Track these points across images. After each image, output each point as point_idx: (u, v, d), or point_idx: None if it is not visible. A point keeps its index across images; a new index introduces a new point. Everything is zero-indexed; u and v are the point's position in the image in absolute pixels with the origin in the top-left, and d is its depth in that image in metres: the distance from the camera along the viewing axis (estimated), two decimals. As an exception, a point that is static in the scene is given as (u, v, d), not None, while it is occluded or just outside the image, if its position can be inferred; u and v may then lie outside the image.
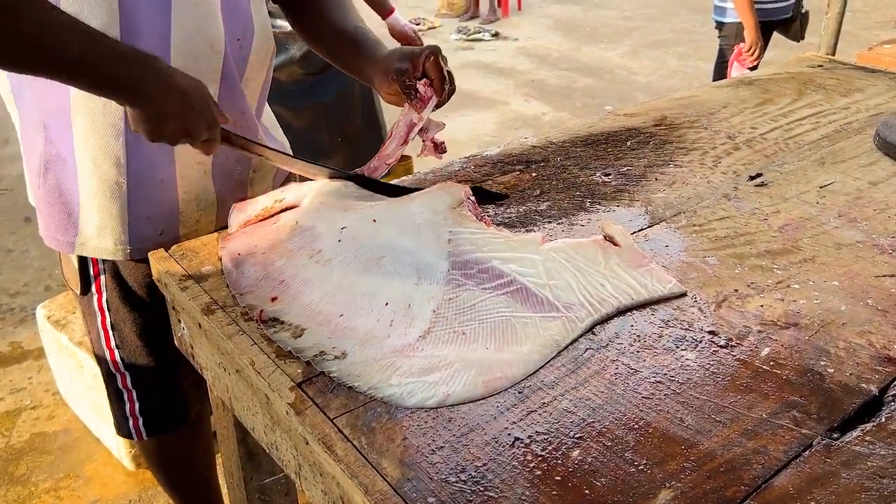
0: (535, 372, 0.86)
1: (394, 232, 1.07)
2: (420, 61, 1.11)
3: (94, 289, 1.24)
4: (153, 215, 1.18)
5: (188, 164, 1.18)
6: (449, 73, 1.14)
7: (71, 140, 1.11)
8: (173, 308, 1.12)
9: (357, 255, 1.04)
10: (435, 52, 1.11)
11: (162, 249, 1.14)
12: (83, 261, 1.22)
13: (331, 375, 0.86)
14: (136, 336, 1.27)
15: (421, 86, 1.12)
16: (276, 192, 1.20)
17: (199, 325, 1.01)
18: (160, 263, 1.10)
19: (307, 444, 0.79)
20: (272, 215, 1.17)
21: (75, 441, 2.16)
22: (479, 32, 7.26)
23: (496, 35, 7.23)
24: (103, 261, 1.22)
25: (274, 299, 0.99)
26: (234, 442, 1.22)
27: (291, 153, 1.38)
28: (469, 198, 1.14)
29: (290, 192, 1.19)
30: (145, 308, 1.25)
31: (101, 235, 1.17)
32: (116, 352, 1.28)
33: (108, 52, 0.94)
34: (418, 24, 7.47)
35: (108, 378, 1.32)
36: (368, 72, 1.20)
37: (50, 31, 0.89)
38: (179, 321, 1.11)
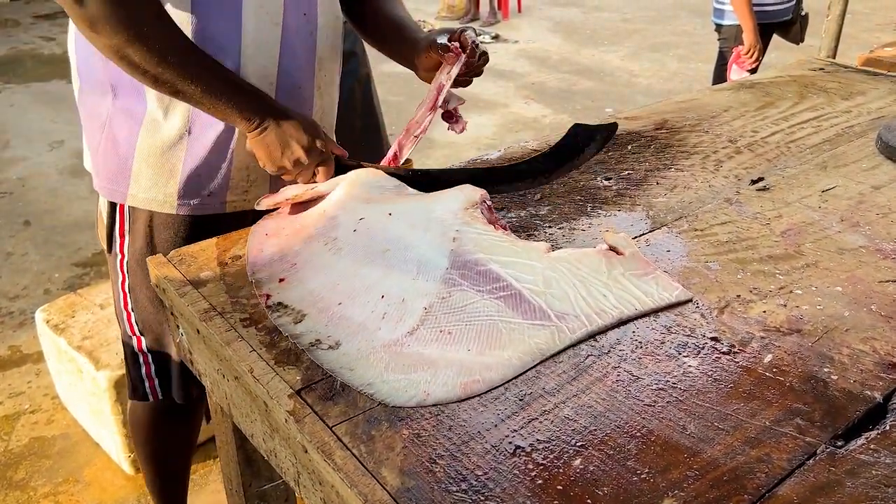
0: (515, 377, 0.85)
1: (404, 226, 1.08)
2: (456, 35, 1.26)
3: (116, 248, 1.31)
4: (203, 174, 1.24)
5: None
6: (483, 51, 1.27)
7: (143, 96, 1.18)
8: (171, 313, 1.12)
9: (366, 246, 1.05)
10: (468, 28, 1.29)
11: (160, 255, 1.13)
12: (112, 221, 1.29)
13: (324, 367, 0.86)
14: (148, 303, 1.31)
15: (453, 44, 1.24)
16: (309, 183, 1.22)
17: (198, 332, 1.00)
18: (158, 269, 1.09)
19: (306, 452, 0.79)
20: (302, 203, 1.18)
21: (74, 445, 2.15)
22: (480, 35, 7.26)
23: (496, 37, 7.22)
24: (130, 224, 1.28)
25: (282, 280, 1.02)
26: (232, 448, 1.21)
27: None
28: (484, 201, 1.14)
29: (322, 183, 1.20)
30: None
31: (154, 186, 1.23)
32: (133, 314, 1.34)
33: (227, 85, 1.10)
34: (418, 27, 7.46)
35: (127, 339, 1.38)
36: (410, 53, 1.32)
37: (178, 65, 1.06)
38: (178, 327, 1.11)
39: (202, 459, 2.08)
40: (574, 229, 1.18)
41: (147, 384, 1.39)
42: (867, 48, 2.90)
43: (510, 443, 0.76)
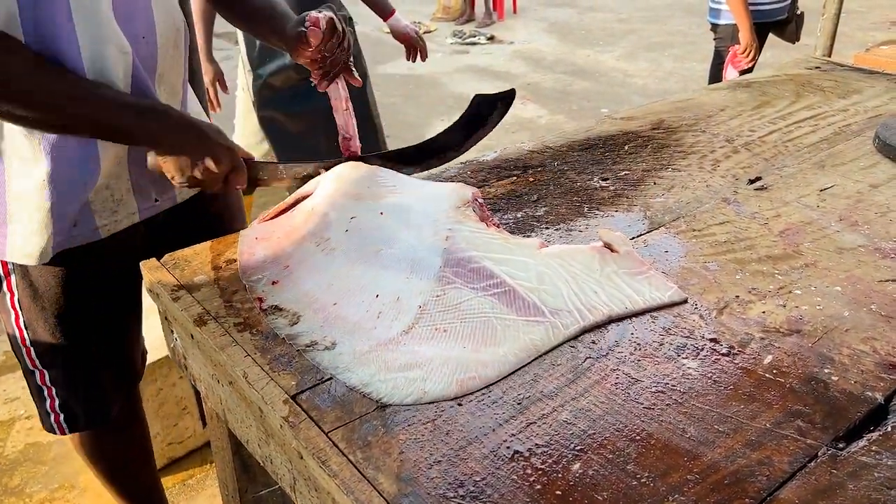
0: (511, 374, 0.85)
1: (396, 225, 1.07)
2: (314, 16, 1.22)
3: (5, 288, 1.25)
4: (66, 209, 1.17)
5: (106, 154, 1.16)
6: (344, 30, 1.22)
7: None
8: (165, 318, 1.10)
9: (360, 245, 1.05)
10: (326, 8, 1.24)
11: (154, 259, 1.12)
12: None
13: (320, 367, 0.86)
14: (48, 335, 1.27)
15: (309, 24, 1.20)
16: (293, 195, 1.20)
17: (192, 336, 0.99)
18: (151, 273, 1.08)
19: (301, 458, 0.78)
20: (289, 207, 1.17)
21: (70, 451, 2.13)
22: (475, 36, 7.26)
23: (492, 38, 7.23)
24: (13, 264, 1.22)
25: (275, 283, 1.01)
26: (228, 453, 1.20)
27: None
28: (477, 199, 1.13)
29: (305, 183, 1.19)
30: (57, 309, 1.25)
31: (26, 243, 1.17)
32: (32, 349, 1.29)
33: (123, 115, 1.05)
34: (414, 28, 7.45)
35: (28, 374, 1.33)
36: (282, 45, 1.28)
37: (60, 102, 1.01)
38: (172, 332, 1.10)
39: (199, 464, 2.07)
40: (571, 230, 1.17)
41: (52, 418, 1.34)
42: (862, 47, 2.90)
43: (508, 447, 0.75)
